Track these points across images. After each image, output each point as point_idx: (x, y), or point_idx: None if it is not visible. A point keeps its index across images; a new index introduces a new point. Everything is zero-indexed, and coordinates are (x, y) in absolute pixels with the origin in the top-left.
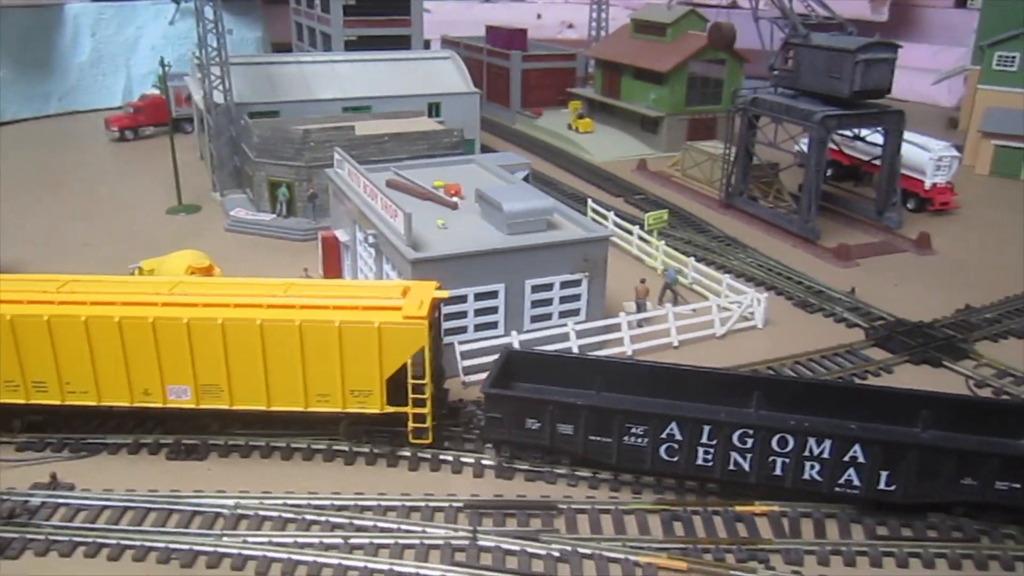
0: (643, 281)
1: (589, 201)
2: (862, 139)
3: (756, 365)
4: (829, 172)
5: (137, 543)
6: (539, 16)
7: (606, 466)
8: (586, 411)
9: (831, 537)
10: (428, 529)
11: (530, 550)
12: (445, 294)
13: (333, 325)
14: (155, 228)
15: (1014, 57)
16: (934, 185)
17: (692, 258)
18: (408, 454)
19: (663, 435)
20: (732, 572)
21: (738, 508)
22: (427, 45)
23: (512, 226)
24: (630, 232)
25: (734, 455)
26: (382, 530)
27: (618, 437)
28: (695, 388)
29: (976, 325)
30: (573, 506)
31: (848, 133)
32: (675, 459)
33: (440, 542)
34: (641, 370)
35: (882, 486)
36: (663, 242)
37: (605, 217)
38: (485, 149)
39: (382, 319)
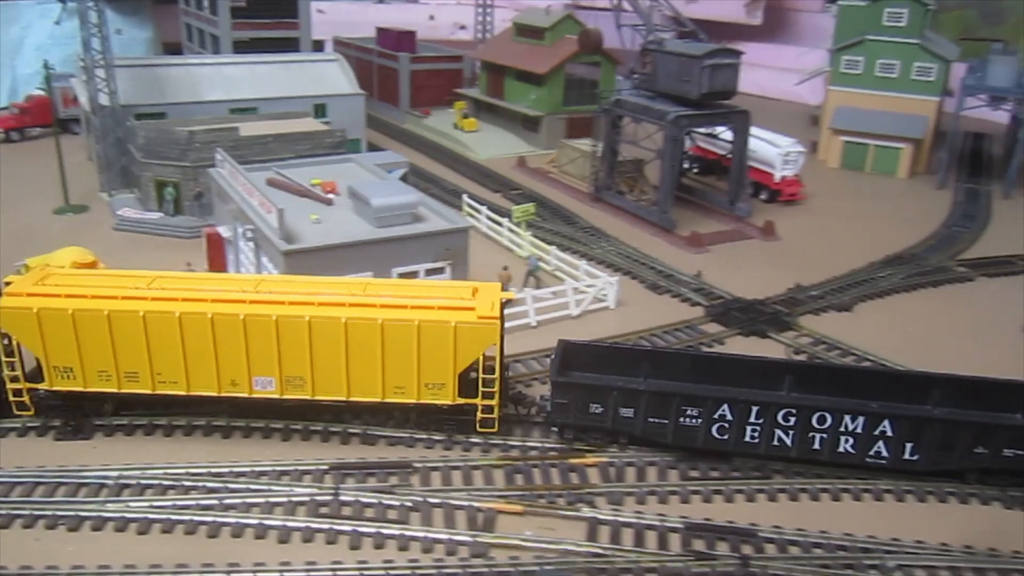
0: (506, 268)
1: (464, 196)
2: (717, 136)
3: (607, 339)
4: (695, 167)
5: (26, 512)
6: (432, 17)
7: (660, 445)
8: (647, 395)
9: (649, 480)
10: (296, 489)
11: (386, 502)
12: (512, 295)
13: (412, 324)
14: (42, 228)
15: (859, 61)
16: (783, 178)
17: (554, 247)
18: (299, 427)
19: (715, 416)
20: (561, 512)
21: (572, 461)
22: (319, 46)
23: (380, 219)
24: (500, 224)
25: (778, 432)
26: (253, 491)
27: (674, 418)
28: (733, 374)
29: (802, 301)
30: (428, 464)
31: (703, 131)
32: (725, 437)
33: (306, 499)
34: (684, 359)
35: (907, 456)
36: (530, 232)
37: (478, 211)
38: (374, 148)
39: (458, 319)
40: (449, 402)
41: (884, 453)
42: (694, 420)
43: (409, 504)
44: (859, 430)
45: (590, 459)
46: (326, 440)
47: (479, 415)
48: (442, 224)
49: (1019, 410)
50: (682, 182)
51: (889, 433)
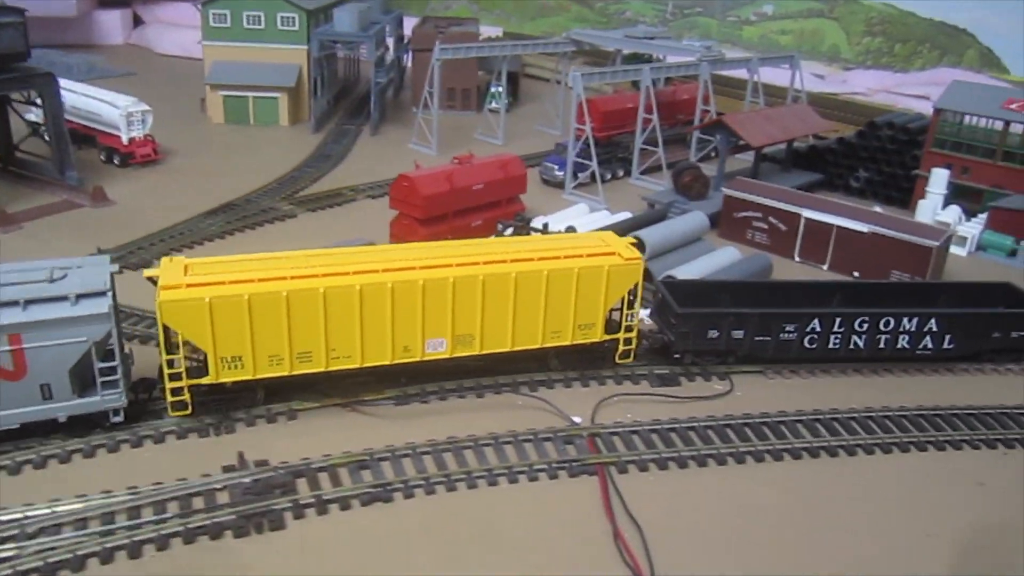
0: None
1: None
2: (32, 103)
3: None
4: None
5: None
6: None
7: (762, 359)
8: (756, 317)
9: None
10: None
11: None
12: (634, 239)
13: (573, 271)
14: None
15: (225, 14)
16: (132, 139)
17: None
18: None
19: (807, 329)
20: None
21: None
22: None
23: None
24: None
25: (854, 337)
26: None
27: (776, 335)
28: (796, 296)
29: None
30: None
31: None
32: (814, 346)
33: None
34: (760, 287)
35: (946, 346)
36: None
37: None
38: None
39: (609, 263)
40: (598, 340)
41: (930, 345)
42: (791, 335)
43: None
44: (912, 328)
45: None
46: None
47: (620, 348)
48: None
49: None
50: (17, 157)
51: (935, 328)
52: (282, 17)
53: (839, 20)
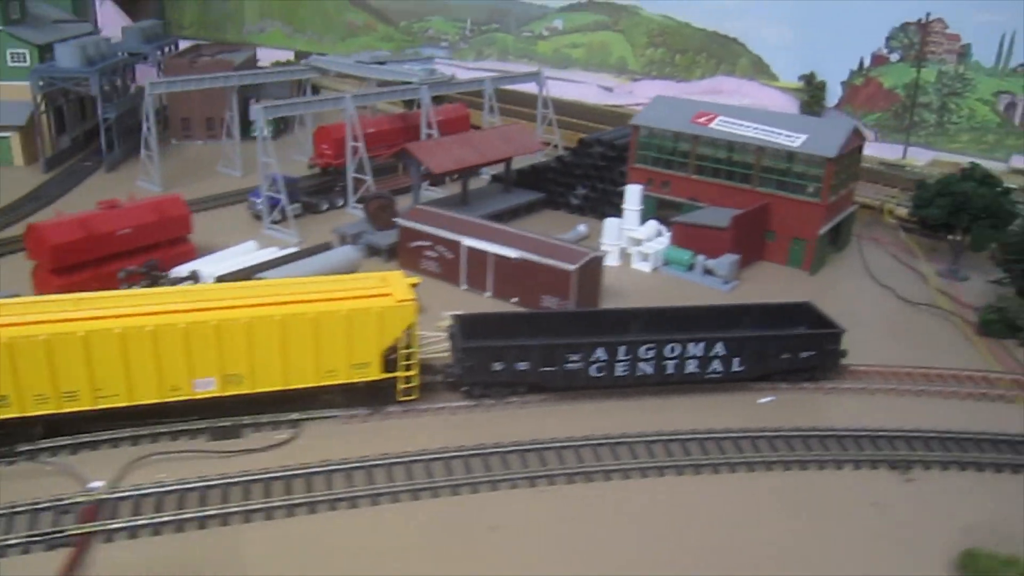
0: None
1: None
2: None
3: None
4: None
5: None
6: None
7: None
8: (537, 348)
9: None
10: None
11: None
12: (418, 280)
13: (342, 313)
14: None
15: None
16: None
17: None
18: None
19: (592, 358)
20: None
21: None
22: None
23: None
24: None
25: (640, 364)
26: None
27: (561, 366)
28: (596, 325)
29: None
30: None
31: None
32: (601, 375)
33: None
34: (557, 317)
35: (735, 369)
36: None
37: None
38: None
39: (380, 304)
40: (376, 378)
41: (719, 369)
42: (576, 364)
43: None
44: (700, 354)
45: None
46: None
47: (400, 385)
48: None
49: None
50: None
51: (722, 353)
52: (12, 53)
53: (624, 32)
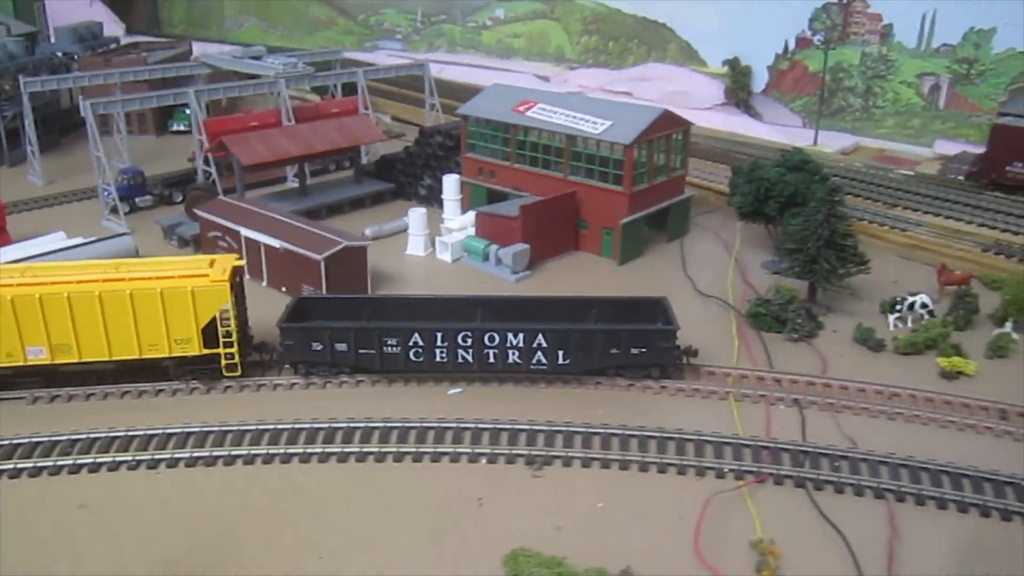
0: None
1: None
2: None
3: None
4: None
5: None
6: None
7: (373, 371)
8: (354, 331)
9: None
10: None
11: None
12: (242, 262)
13: (156, 291)
14: None
15: None
16: None
17: None
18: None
19: (410, 343)
20: None
21: None
22: None
23: None
24: None
25: (460, 352)
26: None
27: (379, 349)
28: (433, 310)
29: None
30: None
31: None
32: (421, 360)
33: None
34: (391, 302)
35: (560, 362)
36: None
37: None
38: None
39: (194, 284)
40: (196, 353)
41: (544, 360)
42: (395, 348)
43: None
44: (520, 344)
45: None
46: None
47: (223, 361)
48: None
49: (657, 319)
50: None
51: (545, 344)
52: None
53: (560, 20)
